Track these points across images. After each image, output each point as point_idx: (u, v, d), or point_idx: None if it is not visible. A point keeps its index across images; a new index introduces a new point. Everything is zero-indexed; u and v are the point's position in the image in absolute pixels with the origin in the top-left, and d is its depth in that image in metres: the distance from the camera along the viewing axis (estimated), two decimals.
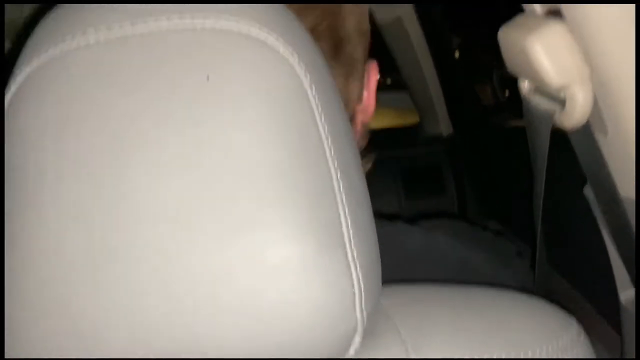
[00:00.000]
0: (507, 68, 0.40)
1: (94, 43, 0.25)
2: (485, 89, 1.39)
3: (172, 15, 0.25)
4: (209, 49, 0.24)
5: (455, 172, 1.32)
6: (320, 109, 0.26)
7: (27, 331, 0.24)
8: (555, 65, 0.34)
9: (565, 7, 0.32)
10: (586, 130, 0.37)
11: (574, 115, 0.35)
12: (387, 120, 1.50)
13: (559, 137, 0.39)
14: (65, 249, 0.24)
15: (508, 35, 0.37)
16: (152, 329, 0.24)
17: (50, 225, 0.24)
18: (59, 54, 0.25)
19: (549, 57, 0.34)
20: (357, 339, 0.25)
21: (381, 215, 0.29)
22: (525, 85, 0.40)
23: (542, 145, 0.41)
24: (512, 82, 0.43)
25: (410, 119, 1.44)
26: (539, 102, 0.39)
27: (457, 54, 1.44)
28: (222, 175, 0.24)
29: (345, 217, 0.25)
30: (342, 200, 0.25)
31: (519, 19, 0.37)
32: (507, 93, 1.33)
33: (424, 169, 1.34)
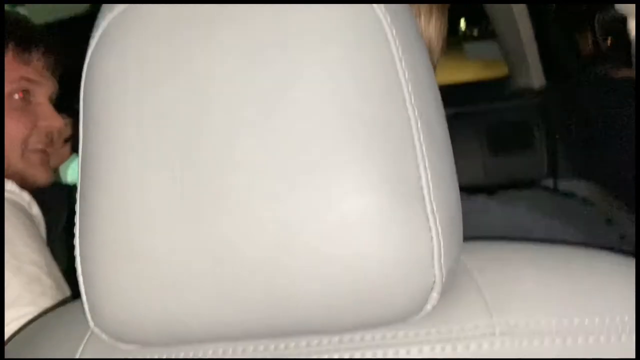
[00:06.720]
0: (615, 7, 0.35)
1: None
2: (585, 37, 1.26)
3: None
4: None
5: (547, 127, 1.23)
6: (401, 53, 0.24)
7: (113, 274, 0.26)
8: None
9: None
10: None
11: None
12: (473, 73, 1.42)
13: None
14: (148, 198, 0.25)
15: None
16: (228, 277, 0.24)
17: (133, 174, 0.25)
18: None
19: None
20: (435, 295, 0.25)
21: (460, 189, 0.27)
22: (634, 25, 0.35)
23: None
24: (616, 27, 0.38)
25: (498, 72, 1.35)
26: None
27: None
28: (299, 124, 0.23)
29: (425, 169, 0.24)
30: (422, 152, 0.24)
31: None
32: (609, 41, 1.20)
33: (512, 124, 1.25)
